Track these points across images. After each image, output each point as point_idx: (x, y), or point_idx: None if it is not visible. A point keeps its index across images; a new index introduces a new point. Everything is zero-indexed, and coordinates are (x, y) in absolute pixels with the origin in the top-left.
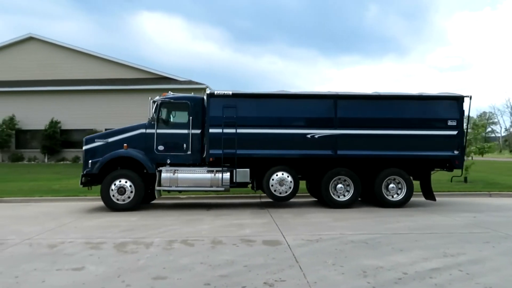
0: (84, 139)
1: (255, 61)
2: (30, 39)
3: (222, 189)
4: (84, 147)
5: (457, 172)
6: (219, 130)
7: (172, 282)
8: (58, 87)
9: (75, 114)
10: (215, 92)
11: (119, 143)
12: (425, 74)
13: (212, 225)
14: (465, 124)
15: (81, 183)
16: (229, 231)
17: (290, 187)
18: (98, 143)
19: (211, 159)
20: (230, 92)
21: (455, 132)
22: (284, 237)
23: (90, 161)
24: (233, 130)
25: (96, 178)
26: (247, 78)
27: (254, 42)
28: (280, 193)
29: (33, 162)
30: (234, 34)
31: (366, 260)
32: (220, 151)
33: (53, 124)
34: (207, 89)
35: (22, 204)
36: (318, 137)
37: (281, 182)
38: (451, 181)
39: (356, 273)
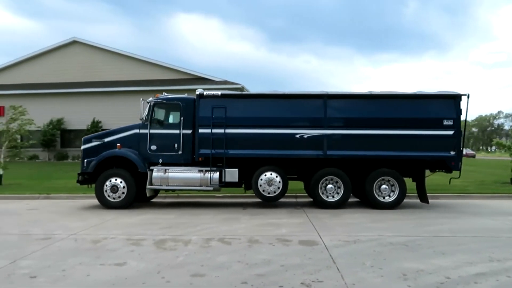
0: (82, 139)
1: (290, 60)
2: (74, 42)
3: (211, 188)
4: (82, 147)
5: (455, 173)
6: (208, 130)
7: (210, 280)
8: (99, 88)
9: (115, 115)
10: (204, 93)
11: (115, 143)
12: (467, 71)
13: (248, 224)
14: (463, 124)
15: (78, 181)
16: (266, 230)
17: (278, 187)
18: (95, 143)
19: (200, 159)
20: (219, 93)
21: (451, 132)
22: (320, 237)
23: (85, 160)
24: (222, 130)
25: (92, 176)
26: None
27: (289, 41)
28: (269, 193)
29: (76, 161)
30: (269, 34)
31: (406, 262)
32: (209, 151)
33: (95, 124)
34: (239, 88)
35: (67, 200)
36: (307, 137)
37: (269, 182)
38: (449, 183)
39: (395, 276)
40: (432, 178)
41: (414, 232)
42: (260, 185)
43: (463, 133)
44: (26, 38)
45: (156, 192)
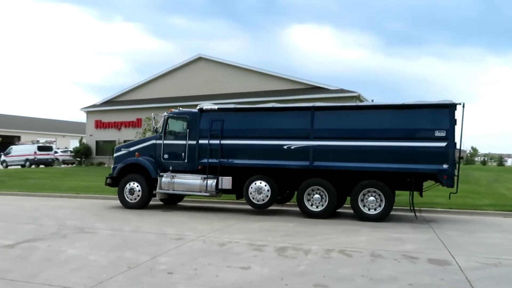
0: (114, 148)
1: (409, 65)
2: (199, 59)
3: (208, 194)
4: (114, 155)
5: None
6: (206, 141)
7: None
8: (220, 100)
9: None
10: (204, 108)
11: (139, 151)
12: None
13: (370, 237)
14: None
15: (106, 184)
16: (389, 245)
17: (267, 196)
18: (123, 151)
19: (199, 167)
20: (216, 107)
21: (443, 144)
22: (453, 257)
23: (112, 166)
24: (217, 141)
25: (116, 180)
26: (401, 83)
27: (407, 45)
28: (258, 201)
29: None
30: (385, 38)
31: None
32: (206, 160)
33: None
34: (355, 96)
35: (197, 204)
36: (294, 148)
37: (258, 190)
38: (449, 198)
39: None
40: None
41: None
42: (250, 193)
43: (458, 145)
44: (160, 57)
45: (175, 196)
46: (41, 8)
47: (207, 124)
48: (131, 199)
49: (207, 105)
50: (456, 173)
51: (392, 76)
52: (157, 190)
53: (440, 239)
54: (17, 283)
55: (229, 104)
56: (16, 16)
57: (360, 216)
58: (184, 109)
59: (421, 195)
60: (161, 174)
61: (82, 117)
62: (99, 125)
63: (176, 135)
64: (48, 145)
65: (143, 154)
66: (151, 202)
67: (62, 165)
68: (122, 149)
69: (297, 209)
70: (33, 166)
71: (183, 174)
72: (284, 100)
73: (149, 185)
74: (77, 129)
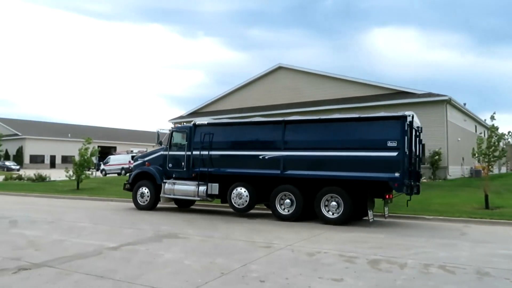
0: (134, 159)
1: (505, 64)
2: (279, 68)
3: (199, 198)
4: (133, 164)
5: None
6: (198, 152)
7: None
8: (303, 108)
9: None
10: (197, 123)
11: (150, 161)
12: None
13: (472, 252)
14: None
15: (124, 189)
16: (496, 262)
17: (246, 201)
18: (139, 161)
19: (193, 175)
20: (206, 122)
21: (395, 154)
22: None
23: (128, 174)
24: (207, 152)
25: (132, 186)
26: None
27: (502, 42)
28: (239, 205)
29: None
30: (476, 37)
31: None
32: (198, 169)
33: None
34: (445, 100)
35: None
36: (268, 158)
37: (239, 195)
38: (407, 206)
39: None
40: None
41: None
42: (232, 198)
43: (409, 154)
44: (239, 68)
45: (186, 200)
46: (134, 29)
47: (199, 137)
48: (142, 202)
49: (199, 120)
50: (410, 181)
51: (485, 77)
52: (161, 194)
53: None
54: (122, 283)
55: (307, 114)
56: (112, 39)
57: (322, 219)
58: (184, 125)
59: (389, 201)
60: (165, 181)
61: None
62: None
63: (178, 147)
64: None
65: (154, 164)
66: (223, 209)
67: None
68: (139, 159)
69: (386, 220)
70: (127, 174)
71: (182, 181)
72: (367, 107)
73: (156, 190)
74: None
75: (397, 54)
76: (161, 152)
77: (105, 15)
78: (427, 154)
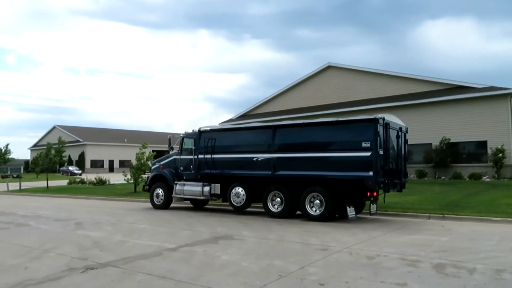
0: (152, 163)
1: None
2: (328, 67)
3: (204, 198)
4: (151, 167)
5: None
6: (202, 156)
7: None
8: (350, 108)
9: None
10: (202, 129)
11: (165, 165)
12: None
13: None
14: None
15: (143, 189)
16: None
17: (243, 199)
18: (156, 165)
19: (198, 177)
20: (209, 128)
21: (368, 154)
22: None
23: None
24: (210, 156)
25: (150, 187)
26: None
27: None
28: (237, 203)
29: None
30: None
31: None
32: (202, 171)
33: None
34: (508, 94)
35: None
36: (261, 160)
37: (237, 195)
38: (384, 202)
39: None
40: None
41: None
42: (232, 197)
43: (381, 154)
44: (286, 69)
45: (200, 200)
46: (182, 36)
47: (203, 142)
48: (157, 202)
49: (204, 127)
50: (384, 179)
51: None
52: (173, 194)
53: None
54: (183, 284)
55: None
56: (162, 47)
57: (306, 216)
58: (192, 131)
59: (371, 199)
60: (176, 182)
61: None
62: None
63: (188, 152)
64: None
65: (168, 167)
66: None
67: None
68: (156, 163)
69: (447, 221)
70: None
71: (191, 182)
72: (422, 104)
73: (169, 191)
74: None
75: (452, 47)
76: (174, 157)
77: (156, 24)
78: (489, 152)
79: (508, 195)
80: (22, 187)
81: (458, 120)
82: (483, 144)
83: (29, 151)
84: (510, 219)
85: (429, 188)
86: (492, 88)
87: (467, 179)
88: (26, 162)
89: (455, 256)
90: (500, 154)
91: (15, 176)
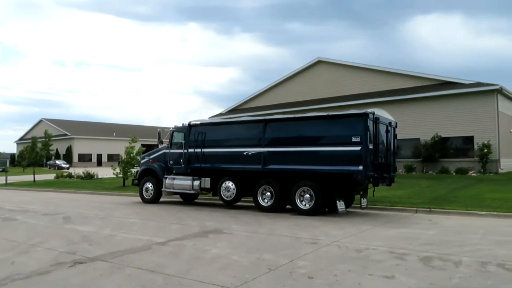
0: (141, 157)
1: None
2: (318, 62)
3: (194, 192)
4: (140, 162)
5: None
6: (192, 150)
7: None
8: (341, 103)
9: None
10: (192, 123)
11: (155, 159)
12: None
13: None
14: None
15: (132, 184)
16: None
17: (233, 193)
18: (146, 159)
19: (188, 171)
20: (199, 122)
21: (358, 148)
22: None
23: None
24: (200, 150)
25: (139, 181)
26: None
27: None
28: (227, 197)
29: None
30: None
31: None
32: (192, 165)
33: None
34: (496, 90)
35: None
36: (251, 154)
37: (227, 189)
38: (373, 196)
39: None
40: None
41: None
42: (222, 191)
43: (370, 148)
44: (276, 64)
45: (190, 194)
46: (172, 28)
47: (194, 136)
48: (147, 196)
49: (193, 121)
50: (374, 173)
51: None
52: (163, 188)
53: None
54: (173, 278)
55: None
56: (152, 39)
57: (296, 210)
58: (182, 125)
59: (361, 193)
60: (165, 176)
61: None
62: None
63: (178, 146)
64: None
65: (158, 161)
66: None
67: None
68: (145, 157)
69: (434, 215)
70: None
71: (181, 176)
72: (412, 99)
73: (159, 185)
74: None
75: (441, 43)
76: (164, 150)
77: (145, 17)
78: (475, 147)
79: (493, 190)
80: (8, 181)
81: (446, 115)
82: (470, 140)
83: (15, 144)
84: (495, 213)
85: (417, 182)
86: (479, 84)
87: (454, 173)
88: (12, 156)
89: (441, 249)
90: (486, 150)
91: (1, 170)
